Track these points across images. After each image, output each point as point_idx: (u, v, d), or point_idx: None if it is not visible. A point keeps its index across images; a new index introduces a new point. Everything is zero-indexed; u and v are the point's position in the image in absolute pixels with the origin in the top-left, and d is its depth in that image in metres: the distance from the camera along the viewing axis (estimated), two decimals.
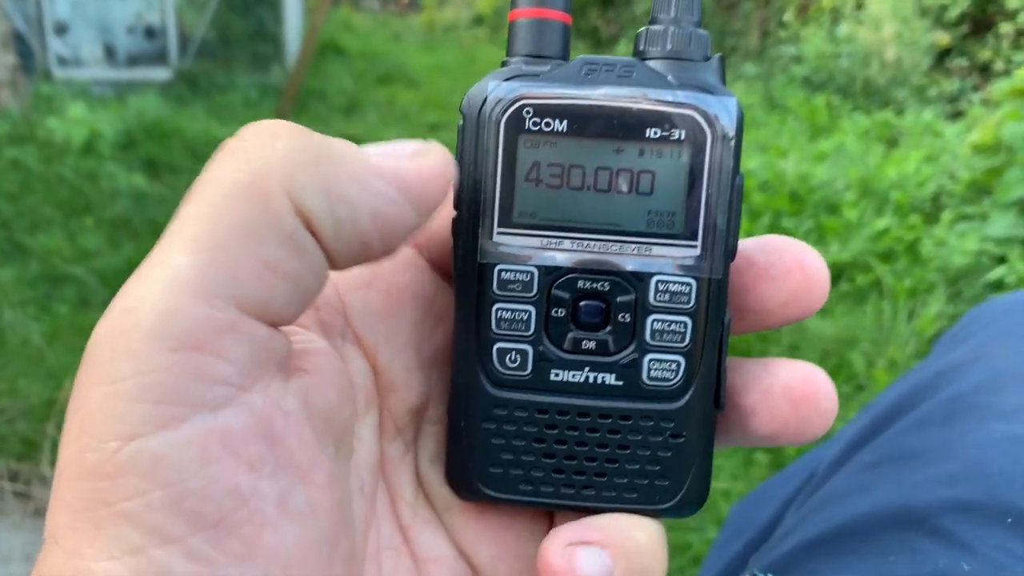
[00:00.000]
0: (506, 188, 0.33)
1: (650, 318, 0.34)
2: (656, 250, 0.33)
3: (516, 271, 0.34)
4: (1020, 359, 0.65)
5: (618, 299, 0.34)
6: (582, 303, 0.34)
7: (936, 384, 0.65)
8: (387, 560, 0.35)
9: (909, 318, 2.75)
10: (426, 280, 0.37)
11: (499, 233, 0.34)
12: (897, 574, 0.48)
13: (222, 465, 0.26)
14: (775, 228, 3.32)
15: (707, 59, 0.34)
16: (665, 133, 0.33)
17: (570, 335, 0.34)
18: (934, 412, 0.61)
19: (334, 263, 0.30)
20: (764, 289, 0.35)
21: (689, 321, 0.34)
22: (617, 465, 0.34)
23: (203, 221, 0.27)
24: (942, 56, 5.69)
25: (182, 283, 0.26)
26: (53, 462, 2.06)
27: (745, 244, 0.36)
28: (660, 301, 0.34)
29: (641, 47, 0.35)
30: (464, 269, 0.34)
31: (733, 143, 0.33)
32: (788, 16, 6.44)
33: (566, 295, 0.34)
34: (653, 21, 0.35)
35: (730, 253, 0.34)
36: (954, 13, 5.63)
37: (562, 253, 0.34)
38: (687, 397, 0.34)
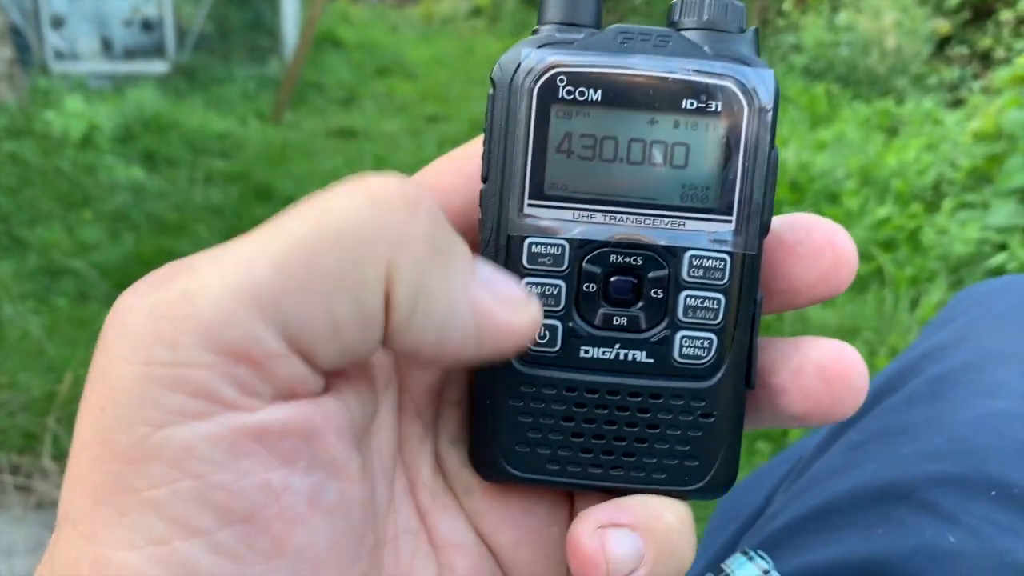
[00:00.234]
0: (537, 159, 0.32)
1: (683, 294, 0.33)
2: (690, 224, 0.32)
3: (546, 244, 0.33)
4: (1005, 339, 0.65)
5: (650, 274, 0.33)
6: (613, 278, 0.33)
7: (922, 365, 0.65)
8: (405, 545, 0.34)
9: (911, 307, 2.75)
10: None
11: (529, 205, 0.33)
12: (884, 546, 0.48)
13: (255, 460, 0.26)
14: None
15: (742, 31, 0.33)
16: (701, 105, 0.32)
17: (601, 311, 0.33)
18: (920, 391, 0.61)
19: (386, 346, 0.29)
20: (793, 267, 0.34)
21: (723, 298, 0.33)
22: (646, 445, 0.34)
23: (303, 245, 0.26)
24: (942, 44, 5.68)
25: (252, 294, 0.25)
26: (54, 456, 2.05)
27: (773, 222, 0.34)
28: (693, 277, 0.33)
29: (676, 17, 0.34)
30: (492, 242, 0.33)
31: (770, 116, 0.32)
32: (787, 5, 6.42)
33: (597, 270, 0.33)
34: None
35: (764, 229, 0.33)
36: (954, 0, 5.61)
37: (594, 226, 0.33)
38: (719, 376, 0.33)
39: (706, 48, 0.32)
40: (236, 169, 4.03)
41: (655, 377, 0.33)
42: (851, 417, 0.64)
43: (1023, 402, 0.56)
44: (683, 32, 0.33)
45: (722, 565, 0.48)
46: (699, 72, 0.32)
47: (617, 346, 0.33)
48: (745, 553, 0.49)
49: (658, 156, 0.32)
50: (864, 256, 3.08)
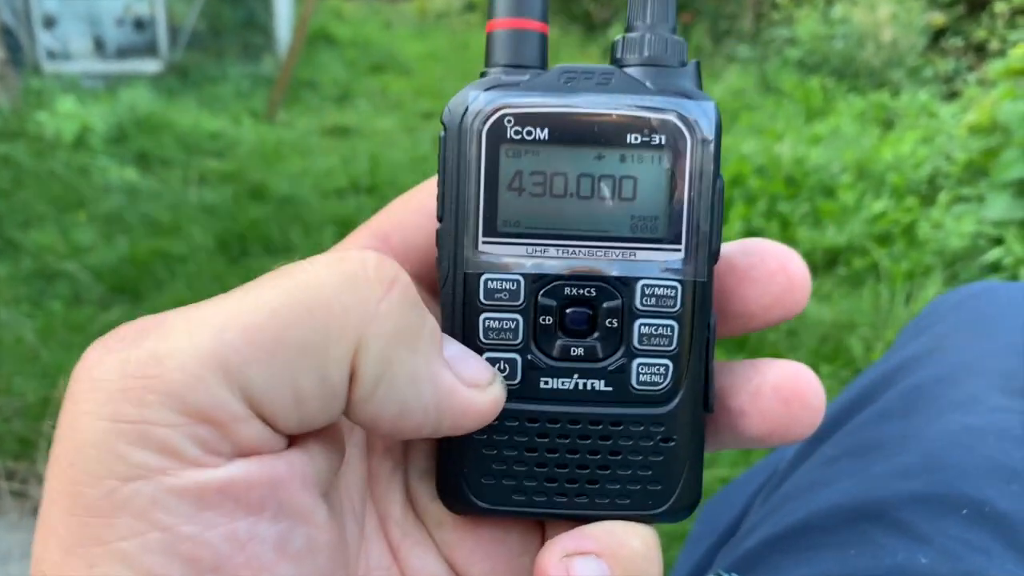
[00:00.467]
0: (489, 197, 0.33)
1: (637, 322, 0.34)
2: (640, 254, 0.34)
3: (502, 280, 0.34)
4: (976, 351, 0.65)
5: (604, 305, 0.34)
6: (569, 310, 0.34)
7: (896, 377, 0.65)
8: None
9: (907, 301, 2.75)
10: None
11: (484, 242, 0.34)
12: (857, 568, 0.48)
13: (220, 511, 0.26)
14: (771, 212, 3.31)
15: (683, 64, 0.34)
16: (645, 139, 0.33)
17: (558, 342, 0.34)
18: (892, 405, 0.62)
19: (346, 415, 0.30)
20: (747, 292, 0.35)
21: (676, 324, 0.34)
22: (609, 471, 0.35)
23: (274, 317, 0.27)
24: (937, 36, 5.67)
25: (218, 360, 0.26)
26: (50, 449, 2.04)
27: (726, 248, 0.36)
28: (646, 305, 0.34)
29: (618, 55, 0.35)
30: (450, 279, 0.34)
31: (713, 146, 0.33)
32: None
33: (553, 302, 0.34)
34: (629, 29, 0.35)
35: (714, 255, 0.34)
36: None
37: (547, 260, 0.34)
38: (676, 400, 0.34)
39: (648, 83, 0.34)
40: (230, 168, 4.02)
41: (614, 405, 0.34)
42: (825, 430, 0.65)
43: (994, 417, 0.56)
44: (626, 68, 0.34)
45: None
46: (642, 107, 0.33)
47: (576, 376, 0.34)
48: (718, 575, 0.49)
49: (607, 190, 0.33)
50: (859, 251, 3.08)
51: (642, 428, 0.34)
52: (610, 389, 0.34)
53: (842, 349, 2.50)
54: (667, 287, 0.34)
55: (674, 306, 0.34)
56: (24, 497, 1.99)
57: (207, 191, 3.75)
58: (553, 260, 0.34)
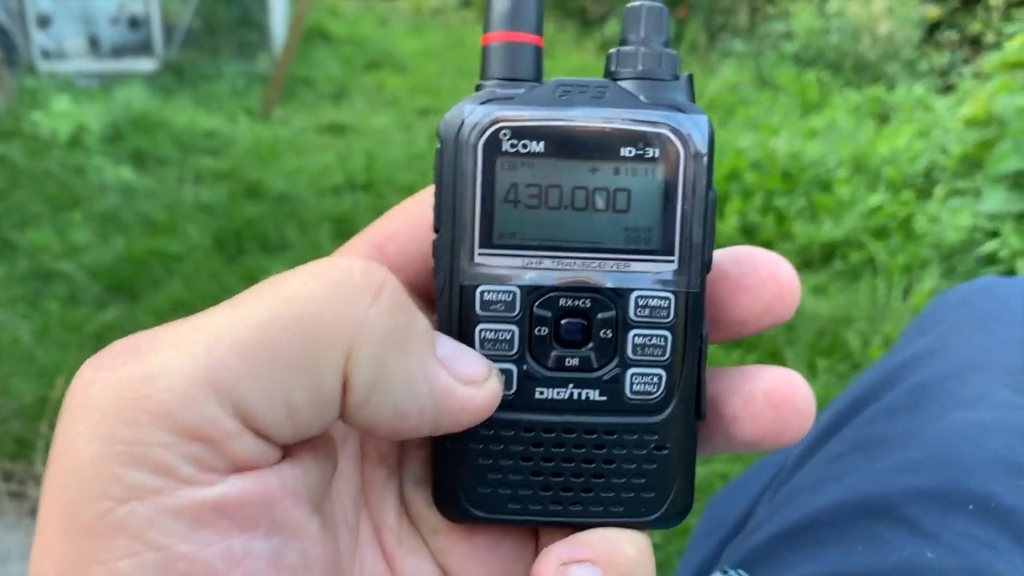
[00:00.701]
0: (486, 210, 0.34)
1: (631, 333, 0.35)
2: (634, 266, 0.34)
3: (498, 291, 0.34)
4: (982, 347, 0.66)
5: (599, 316, 0.35)
6: (564, 321, 0.35)
7: (901, 374, 0.66)
8: None
9: (904, 295, 2.75)
10: None
11: (480, 254, 0.34)
12: (863, 564, 0.49)
13: (215, 529, 0.26)
14: (768, 207, 3.31)
15: (676, 78, 0.35)
16: (639, 152, 0.34)
17: (553, 353, 0.35)
18: (899, 401, 0.62)
19: (342, 420, 0.30)
20: (739, 300, 0.36)
21: (669, 335, 0.35)
22: (603, 480, 0.35)
23: (263, 331, 0.27)
24: (932, 29, 5.67)
25: (209, 379, 0.26)
26: (47, 462, 2.04)
27: (717, 255, 0.36)
28: (640, 316, 0.34)
29: (613, 68, 0.35)
30: (446, 291, 0.34)
31: (705, 159, 0.34)
32: None
33: (548, 313, 0.35)
34: (623, 42, 0.36)
35: (706, 266, 0.35)
36: None
37: (543, 272, 0.34)
38: (669, 409, 0.35)
39: (642, 97, 0.34)
40: (226, 167, 4.01)
41: (608, 414, 0.35)
42: (831, 427, 0.65)
43: (1000, 413, 0.56)
44: (620, 82, 0.35)
45: None
46: (636, 121, 0.34)
47: (570, 386, 0.35)
48: (724, 572, 0.49)
49: (601, 202, 0.34)
50: (856, 244, 3.08)
51: (636, 437, 0.35)
52: (604, 399, 0.35)
53: (839, 343, 2.50)
54: (660, 298, 0.34)
55: (667, 317, 0.34)
56: (22, 498, 1.99)
57: (203, 190, 3.75)
58: (548, 272, 0.34)
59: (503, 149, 0.34)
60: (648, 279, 0.34)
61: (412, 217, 0.36)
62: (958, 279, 2.81)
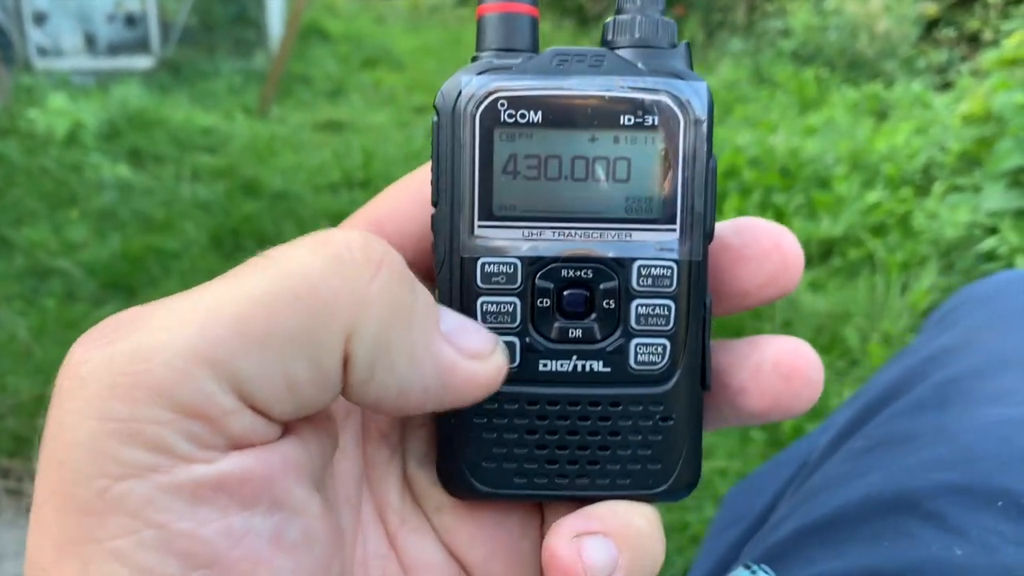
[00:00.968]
0: (484, 181, 0.33)
1: (634, 303, 0.34)
2: (636, 235, 0.34)
3: (499, 263, 0.34)
4: (1010, 343, 0.65)
5: (601, 286, 0.34)
6: (566, 292, 0.34)
7: (927, 369, 0.65)
8: (374, 571, 0.34)
9: (902, 292, 2.75)
10: None
11: (480, 227, 0.34)
12: (891, 559, 0.48)
13: (215, 506, 0.26)
14: (766, 204, 3.31)
15: (674, 46, 0.35)
16: (639, 120, 0.33)
17: (556, 324, 0.34)
18: (926, 396, 0.61)
19: (344, 396, 0.30)
20: (742, 271, 0.35)
21: (672, 304, 0.34)
22: (609, 452, 0.35)
23: (261, 306, 0.26)
24: (930, 27, 5.67)
25: (206, 354, 0.26)
26: (41, 443, 2.04)
27: (719, 227, 0.36)
28: (643, 286, 0.34)
29: (609, 36, 0.35)
30: (447, 264, 0.34)
31: (705, 126, 0.34)
32: None
33: (550, 285, 0.34)
34: (619, 11, 0.35)
35: (708, 235, 0.34)
36: None
37: (544, 243, 0.34)
38: (674, 380, 0.35)
39: (640, 65, 0.34)
40: (223, 164, 4.00)
41: (613, 385, 0.35)
42: (857, 421, 0.64)
43: None
44: (617, 51, 0.34)
45: None
46: (634, 88, 0.33)
47: (574, 358, 0.34)
48: (748, 567, 0.48)
49: (601, 172, 0.33)
50: (854, 241, 3.08)
51: (641, 408, 0.35)
52: (608, 370, 0.34)
53: (838, 340, 2.50)
54: (663, 267, 0.34)
55: (670, 286, 0.34)
56: (19, 495, 1.98)
57: (200, 187, 3.74)
58: (549, 243, 0.34)
59: (501, 120, 0.33)
60: (650, 248, 0.34)
61: (410, 193, 0.36)
62: (957, 276, 2.81)
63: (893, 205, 3.23)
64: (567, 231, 0.34)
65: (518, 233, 0.34)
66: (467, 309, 0.34)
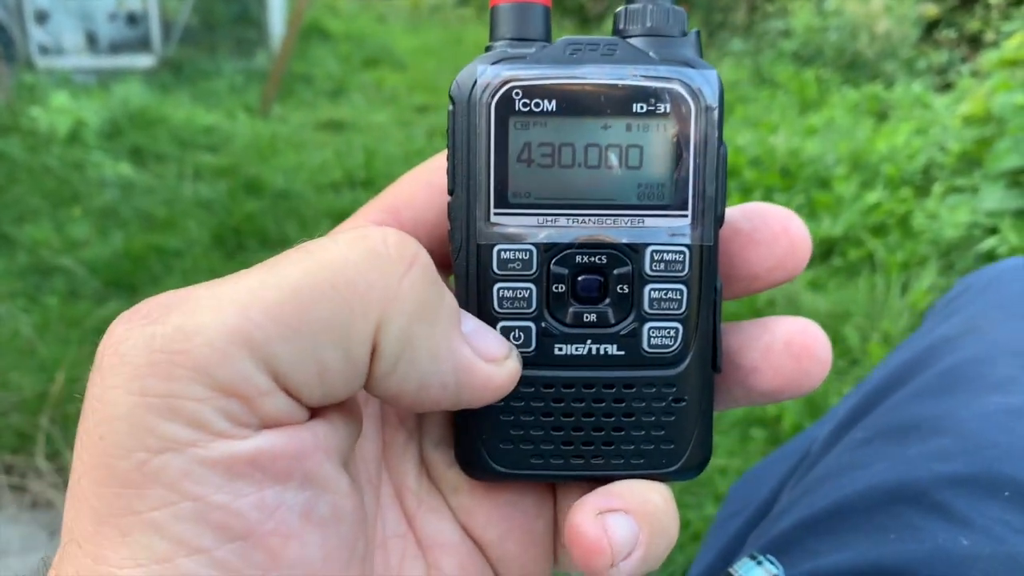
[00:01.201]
0: (500, 169, 0.34)
1: (647, 287, 0.35)
2: (648, 221, 0.35)
3: (515, 250, 0.35)
4: (1012, 331, 0.65)
5: (615, 271, 0.35)
6: (581, 277, 0.35)
7: (929, 358, 0.65)
8: (393, 549, 0.35)
9: (902, 291, 2.75)
10: None
11: (496, 214, 0.34)
12: (897, 551, 0.48)
13: (249, 480, 0.27)
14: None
15: (684, 34, 0.35)
16: (651, 107, 0.34)
17: (571, 309, 0.35)
18: (928, 385, 0.62)
19: (366, 389, 0.31)
20: (751, 255, 0.36)
21: (684, 288, 0.35)
22: (623, 433, 0.36)
23: (298, 294, 0.27)
24: (931, 28, 5.68)
25: (244, 337, 0.27)
26: (48, 455, 2.04)
27: (728, 212, 0.37)
28: (656, 270, 0.35)
29: (621, 25, 0.36)
30: (463, 251, 0.35)
31: (716, 114, 0.34)
32: None
33: (565, 271, 0.35)
34: (630, 0, 0.36)
35: (719, 220, 0.35)
36: None
37: (558, 230, 0.35)
38: (687, 362, 0.36)
39: (651, 53, 0.34)
40: (225, 163, 4.01)
41: (627, 368, 0.35)
42: (858, 412, 0.64)
43: None
44: (629, 39, 0.35)
45: (730, 570, 0.48)
46: (646, 77, 0.34)
47: (589, 342, 0.35)
48: (754, 557, 0.49)
49: (614, 159, 0.34)
50: (855, 241, 3.09)
51: (654, 390, 0.35)
52: (622, 353, 0.35)
53: (838, 339, 2.51)
54: (675, 252, 0.35)
55: (682, 270, 0.35)
56: (23, 491, 1.98)
57: (202, 186, 3.74)
58: (564, 229, 0.34)
59: (516, 108, 0.34)
60: (662, 234, 0.34)
61: (426, 181, 0.37)
62: (956, 276, 2.81)
63: (893, 205, 3.23)
64: (581, 218, 0.34)
65: (533, 220, 0.34)
66: (484, 295, 0.35)
